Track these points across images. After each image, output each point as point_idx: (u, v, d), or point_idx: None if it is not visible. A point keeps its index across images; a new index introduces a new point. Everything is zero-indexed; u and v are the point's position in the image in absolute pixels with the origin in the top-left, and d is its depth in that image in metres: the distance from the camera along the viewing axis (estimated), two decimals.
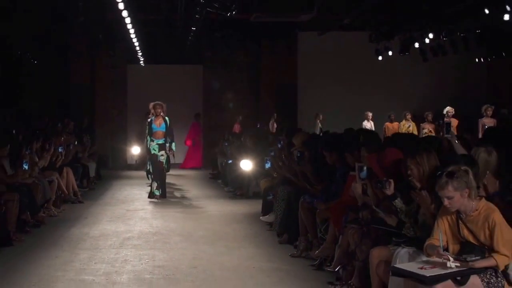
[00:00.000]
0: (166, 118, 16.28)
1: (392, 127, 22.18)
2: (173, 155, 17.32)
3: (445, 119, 19.13)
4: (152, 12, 19.83)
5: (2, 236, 10.05)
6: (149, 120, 16.46)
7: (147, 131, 16.45)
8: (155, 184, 16.18)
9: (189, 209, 15.17)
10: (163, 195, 16.29)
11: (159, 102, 16.36)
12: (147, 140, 16.40)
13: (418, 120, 21.76)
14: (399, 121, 22.25)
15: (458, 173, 5.78)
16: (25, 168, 11.89)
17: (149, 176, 17.20)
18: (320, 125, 23.29)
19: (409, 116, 21.88)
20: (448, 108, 18.74)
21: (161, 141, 16.14)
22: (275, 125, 23.84)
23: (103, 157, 23.30)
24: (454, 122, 17.45)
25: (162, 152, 16.16)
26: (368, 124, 23.19)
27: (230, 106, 26.51)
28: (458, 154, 7.93)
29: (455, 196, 5.79)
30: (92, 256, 9.91)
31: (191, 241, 11.26)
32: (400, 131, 19.47)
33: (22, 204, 11.16)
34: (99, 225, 12.69)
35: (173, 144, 16.47)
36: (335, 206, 8.88)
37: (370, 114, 23.53)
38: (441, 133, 17.52)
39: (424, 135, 18.20)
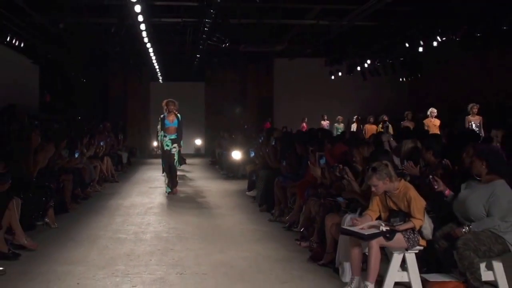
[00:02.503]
0: (179, 115, 13.15)
1: (370, 128, 19.06)
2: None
3: (385, 123, 19.07)
4: (168, 44, 19.81)
5: (61, 205, 10.08)
6: (162, 116, 13.27)
7: (159, 126, 13.41)
8: (166, 179, 13.37)
9: (194, 186, 15.16)
10: (172, 191, 13.17)
11: (172, 100, 13.31)
12: (160, 135, 13.32)
13: (363, 121, 21.71)
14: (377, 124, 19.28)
15: (380, 168, 5.90)
16: (76, 157, 11.98)
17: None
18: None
19: (385, 119, 18.77)
20: (431, 109, 15.86)
21: (173, 136, 12.97)
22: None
23: (132, 149, 23.29)
24: (436, 122, 15.40)
25: (175, 145, 13.01)
26: (355, 125, 21.10)
27: (237, 112, 26.46)
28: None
29: (379, 184, 5.90)
30: (124, 220, 9.94)
31: (196, 209, 11.29)
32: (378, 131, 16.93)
33: (75, 183, 11.21)
34: (129, 198, 12.70)
35: (181, 142, 13.27)
36: (301, 184, 8.94)
37: (353, 117, 21.54)
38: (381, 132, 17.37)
39: None
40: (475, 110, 14.31)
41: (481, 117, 14.27)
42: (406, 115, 17.19)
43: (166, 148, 13.06)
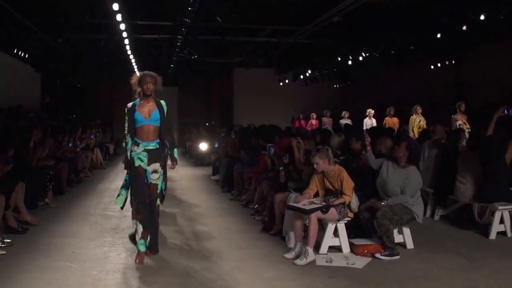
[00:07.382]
0: (162, 101, 5.98)
1: (392, 121, 14.59)
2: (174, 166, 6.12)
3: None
4: (147, 55, 19.56)
5: (58, 188, 9.85)
6: (129, 106, 6.02)
7: (126, 124, 6.01)
8: (140, 228, 5.51)
9: (169, 172, 14.89)
10: (154, 250, 5.72)
11: (150, 73, 6.05)
12: (128, 143, 5.87)
13: (307, 119, 21.66)
14: (410, 116, 13.62)
15: (322, 150, 5.96)
16: (70, 146, 11.80)
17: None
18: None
19: (419, 111, 13.37)
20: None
21: (152, 145, 5.67)
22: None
23: (118, 141, 22.90)
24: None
25: (156, 167, 5.64)
26: (370, 121, 15.84)
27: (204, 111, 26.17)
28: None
29: (320, 163, 5.95)
30: (111, 201, 9.60)
31: (170, 191, 10.99)
32: (411, 125, 13.11)
33: (69, 169, 10.92)
34: (115, 182, 12.38)
35: (175, 150, 5.99)
36: (255, 170, 8.95)
37: (372, 112, 16.04)
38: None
39: (458, 127, 11.61)
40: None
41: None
42: (458, 105, 13.17)
43: (138, 163, 5.63)
